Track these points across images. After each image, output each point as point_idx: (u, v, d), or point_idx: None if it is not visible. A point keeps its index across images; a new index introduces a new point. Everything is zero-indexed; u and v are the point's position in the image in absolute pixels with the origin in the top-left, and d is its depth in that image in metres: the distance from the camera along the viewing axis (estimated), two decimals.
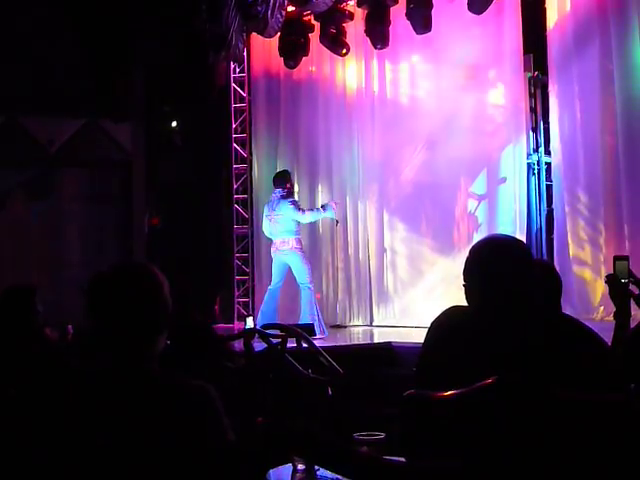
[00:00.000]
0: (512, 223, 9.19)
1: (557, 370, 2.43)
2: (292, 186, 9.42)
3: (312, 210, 9.39)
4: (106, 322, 2.35)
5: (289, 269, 9.25)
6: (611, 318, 3.50)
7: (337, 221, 10.26)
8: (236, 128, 11.50)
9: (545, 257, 9.19)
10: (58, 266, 10.95)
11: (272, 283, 9.39)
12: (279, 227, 9.15)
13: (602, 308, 8.37)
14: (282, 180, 9.31)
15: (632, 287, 3.49)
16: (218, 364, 4.28)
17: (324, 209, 9.34)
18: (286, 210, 9.07)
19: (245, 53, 11.12)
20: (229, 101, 11.49)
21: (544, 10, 9.05)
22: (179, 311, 4.36)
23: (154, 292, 2.35)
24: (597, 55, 8.65)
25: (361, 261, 10.61)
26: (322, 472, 2.48)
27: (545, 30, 9.10)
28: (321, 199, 10.64)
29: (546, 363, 2.43)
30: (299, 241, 9.19)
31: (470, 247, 2.64)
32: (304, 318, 8.86)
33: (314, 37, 10.39)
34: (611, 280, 3.50)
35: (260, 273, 11.20)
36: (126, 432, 2.17)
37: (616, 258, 3.56)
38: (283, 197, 9.16)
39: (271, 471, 2.53)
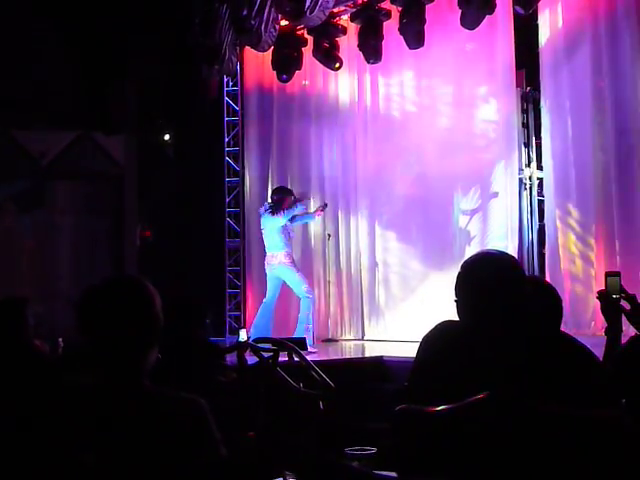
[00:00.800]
0: (504, 238, 9.21)
1: (549, 385, 2.43)
2: (280, 200, 9.29)
3: (288, 210, 9.21)
4: (97, 336, 2.34)
5: (283, 282, 9.26)
6: (603, 333, 3.50)
7: (329, 235, 10.31)
8: (228, 142, 11.52)
9: (537, 272, 9.21)
10: (49, 279, 10.90)
11: (267, 297, 9.41)
12: (268, 241, 9.21)
13: (593, 323, 8.38)
14: (272, 193, 9.36)
15: (623, 303, 3.49)
16: (213, 378, 4.26)
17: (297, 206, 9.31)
18: (268, 222, 9.12)
19: (238, 67, 11.14)
20: (222, 115, 11.50)
21: (536, 26, 9.10)
22: (181, 325, 4.36)
23: (145, 306, 2.35)
24: (589, 71, 8.69)
25: (353, 275, 10.61)
26: None
27: (537, 46, 9.14)
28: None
29: (538, 378, 2.43)
30: (287, 255, 9.18)
31: (462, 262, 2.64)
32: (299, 329, 8.89)
33: (307, 51, 10.42)
34: (603, 296, 3.50)
35: (252, 287, 11.20)
36: (117, 447, 2.16)
37: (607, 274, 3.55)
38: (266, 211, 9.22)
39: None
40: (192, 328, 4.53)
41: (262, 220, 9.31)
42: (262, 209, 9.44)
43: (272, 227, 9.12)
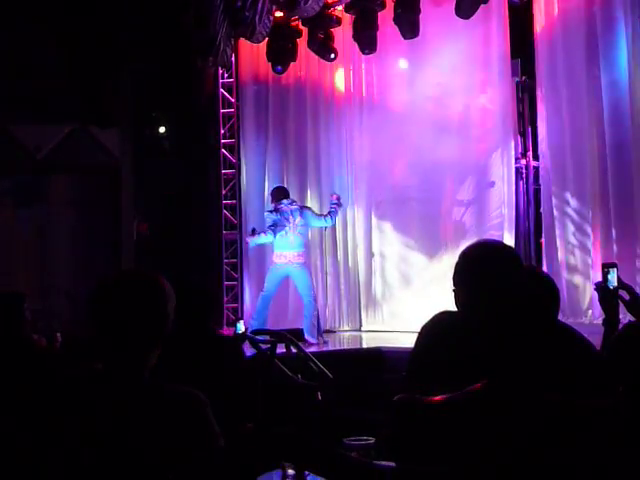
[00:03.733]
0: (500, 227, 9.22)
1: (547, 374, 2.43)
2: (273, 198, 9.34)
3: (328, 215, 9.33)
4: (106, 329, 2.32)
5: (285, 279, 9.25)
6: (599, 322, 3.52)
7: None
8: (224, 134, 11.48)
9: (533, 261, 9.21)
10: (46, 273, 10.90)
11: (266, 290, 9.35)
12: (281, 240, 9.05)
13: (590, 312, 8.40)
14: (281, 191, 9.31)
15: (622, 292, 3.50)
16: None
17: (334, 210, 9.35)
18: (308, 219, 9.04)
19: (233, 58, 11.09)
20: (217, 107, 11.46)
21: (532, 15, 9.09)
22: (195, 317, 4.34)
23: (158, 302, 2.33)
24: (584, 60, 8.69)
25: (350, 266, 10.62)
26: (312, 478, 2.48)
27: (533, 35, 9.13)
28: (310, 204, 10.62)
29: (536, 367, 2.43)
30: (301, 255, 9.15)
31: (459, 252, 2.64)
32: (305, 325, 8.91)
33: (302, 42, 10.39)
34: (601, 287, 3.51)
35: (249, 278, 11.19)
36: (117, 440, 2.16)
37: (604, 265, 3.57)
38: (301, 207, 9.14)
39: (261, 477, 2.52)
40: (205, 320, 4.50)
41: (298, 216, 9.14)
42: (289, 206, 9.19)
43: (309, 222, 9.05)
